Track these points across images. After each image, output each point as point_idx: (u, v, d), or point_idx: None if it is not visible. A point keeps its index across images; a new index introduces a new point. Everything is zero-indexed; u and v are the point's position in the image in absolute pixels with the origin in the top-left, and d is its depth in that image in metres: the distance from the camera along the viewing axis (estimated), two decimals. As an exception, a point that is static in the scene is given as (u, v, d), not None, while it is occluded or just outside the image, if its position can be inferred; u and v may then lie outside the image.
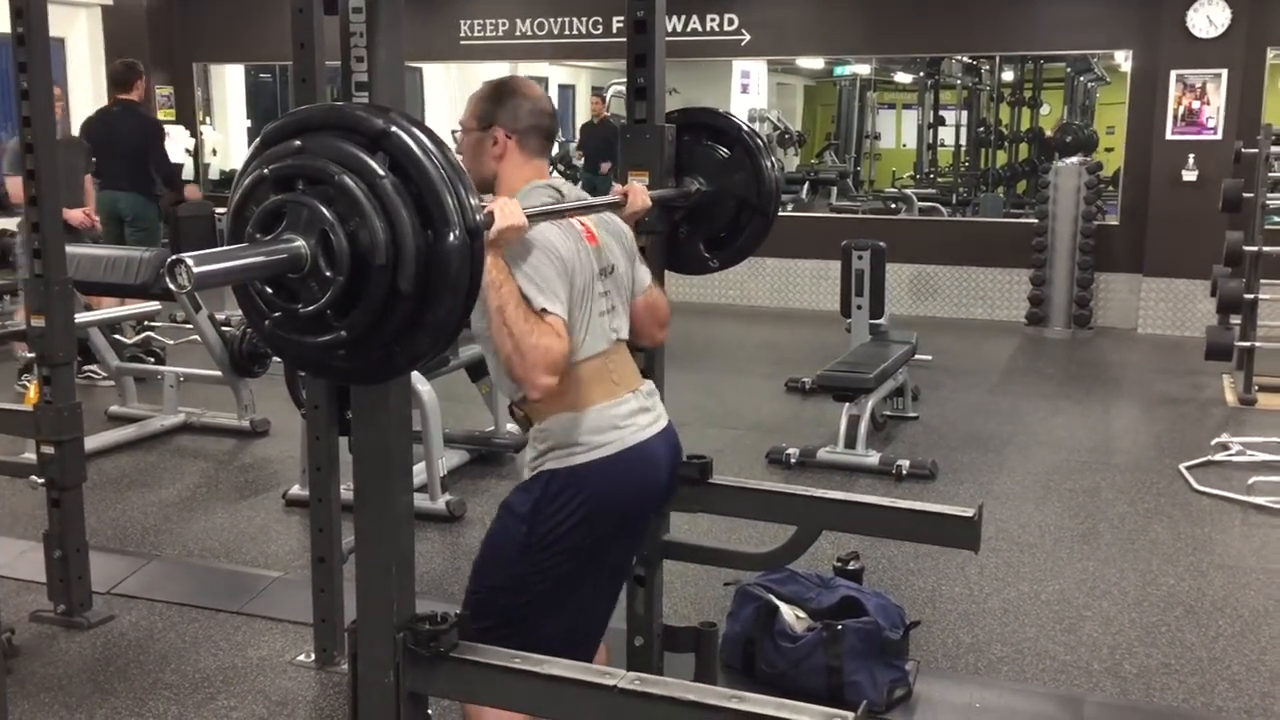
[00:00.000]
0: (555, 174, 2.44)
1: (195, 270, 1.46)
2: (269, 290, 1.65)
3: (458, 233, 1.60)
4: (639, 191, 2.57)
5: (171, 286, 1.47)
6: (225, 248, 1.60)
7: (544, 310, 2.12)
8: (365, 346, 1.65)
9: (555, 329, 2.12)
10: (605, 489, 2.26)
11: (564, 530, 2.24)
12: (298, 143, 1.64)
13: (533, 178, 2.34)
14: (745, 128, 2.91)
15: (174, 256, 1.45)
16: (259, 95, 12.98)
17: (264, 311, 1.68)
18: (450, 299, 1.62)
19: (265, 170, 1.65)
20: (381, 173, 1.59)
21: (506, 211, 2.04)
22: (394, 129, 1.61)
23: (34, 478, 3.63)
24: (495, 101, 2.33)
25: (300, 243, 1.59)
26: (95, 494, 4.80)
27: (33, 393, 3.77)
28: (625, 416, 2.31)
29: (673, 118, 2.88)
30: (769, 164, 2.86)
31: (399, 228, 1.58)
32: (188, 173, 11.70)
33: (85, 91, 11.61)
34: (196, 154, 11.82)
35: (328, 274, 1.59)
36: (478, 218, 1.65)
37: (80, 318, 4.95)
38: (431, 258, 1.60)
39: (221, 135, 12.27)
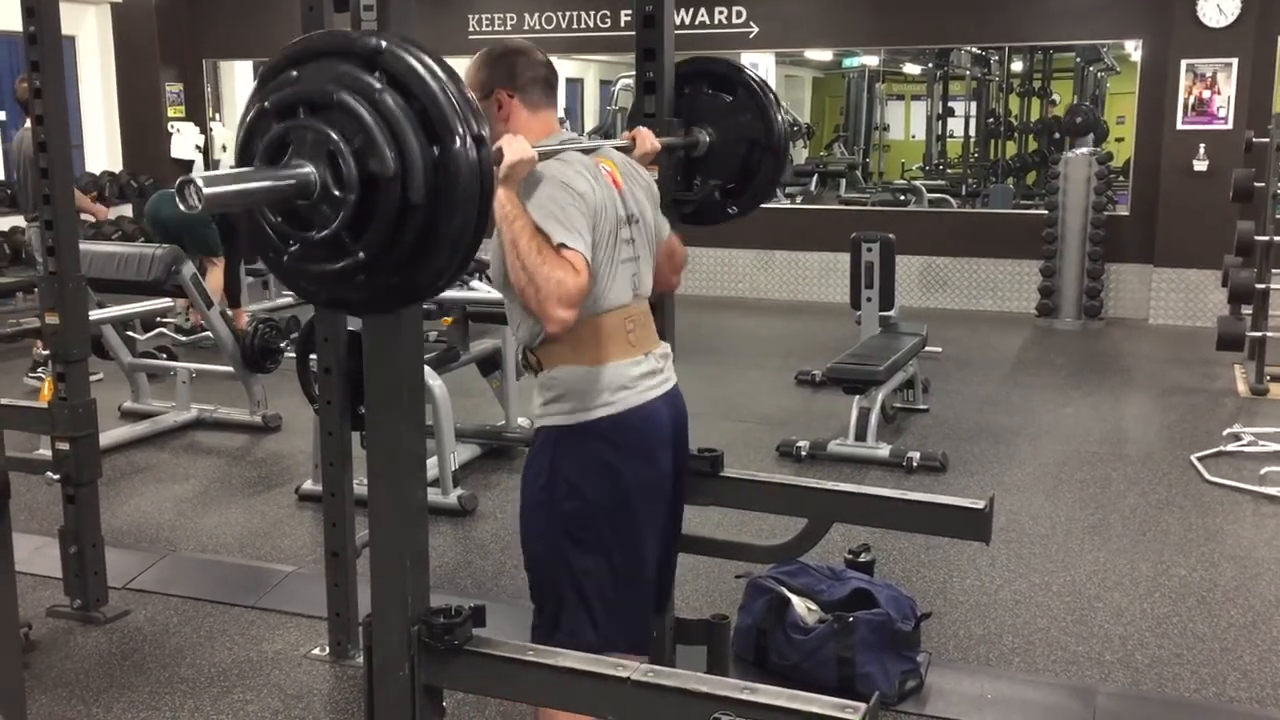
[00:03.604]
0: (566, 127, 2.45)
1: (205, 191, 1.45)
2: (282, 222, 1.65)
3: (463, 140, 1.60)
4: (646, 135, 2.58)
5: (181, 206, 1.46)
6: (233, 170, 1.61)
7: (562, 245, 2.11)
8: (384, 267, 1.64)
9: (573, 263, 2.11)
10: (607, 447, 2.28)
11: (580, 489, 2.27)
12: (294, 73, 1.64)
13: (544, 132, 2.33)
14: (746, 70, 2.92)
15: (183, 177, 1.45)
16: (268, 91, 13.00)
17: (280, 246, 1.68)
18: (464, 208, 1.62)
19: (265, 103, 1.65)
20: (379, 87, 1.58)
21: (514, 146, 2.07)
22: (387, 44, 1.61)
23: (49, 474, 3.65)
24: (490, 68, 2.34)
25: (309, 168, 1.59)
26: (110, 490, 4.83)
27: (47, 389, 3.78)
28: (635, 378, 2.31)
29: None
30: (774, 103, 2.87)
31: (404, 140, 1.58)
32: (198, 169, 11.76)
33: (95, 88, 11.66)
34: (206, 150, 11.85)
35: (338, 194, 1.59)
36: (481, 128, 1.64)
37: (95, 314, 4.97)
38: (439, 169, 1.59)
39: (231, 131, 12.27)
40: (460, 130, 1.60)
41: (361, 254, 1.61)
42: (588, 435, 2.27)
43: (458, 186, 1.60)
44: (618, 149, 2.49)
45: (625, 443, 2.30)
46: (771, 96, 2.87)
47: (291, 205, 1.62)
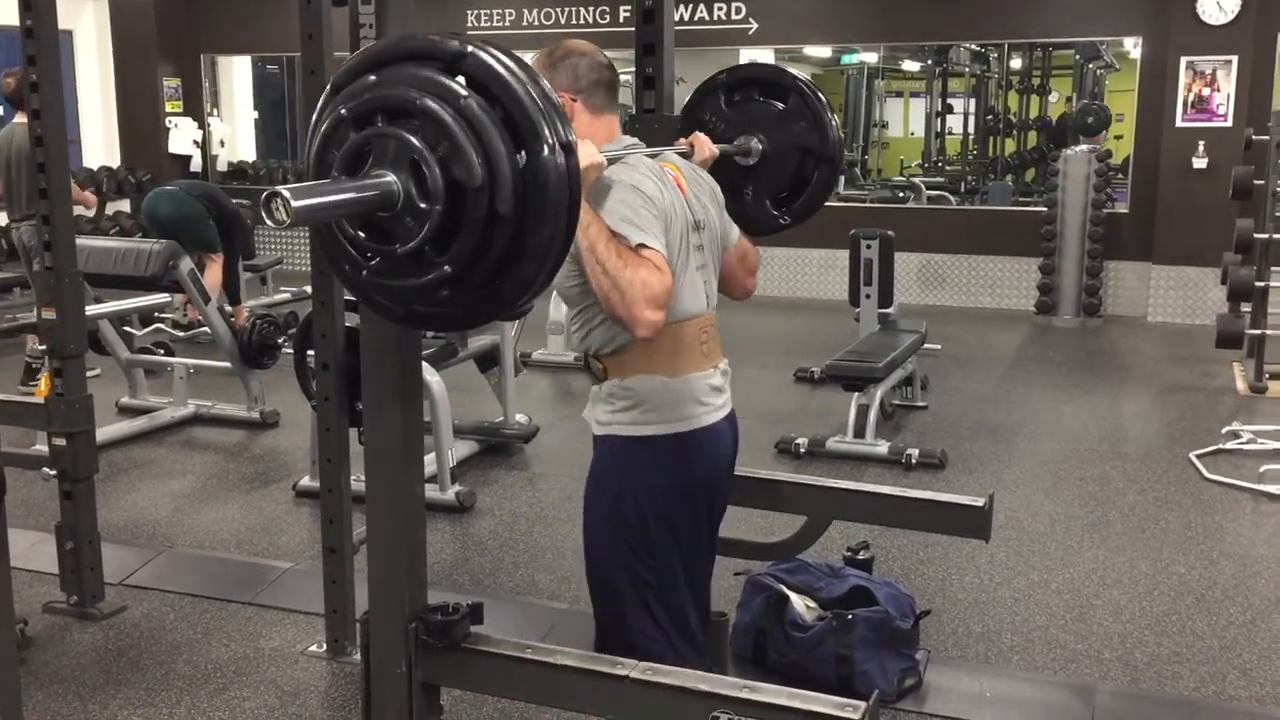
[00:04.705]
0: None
1: (294, 204, 1.39)
2: (362, 235, 1.58)
3: (551, 147, 1.53)
4: (704, 141, 2.53)
5: (269, 222, 1.40)
6: (318, 182, 1.54)
7: (641, 246, 2.05)
8: (469, 281, 1.57)
9: (655, 262, 2.04)
10: (678, 462, 2.24)
11: (648, 502, 2.23)
12: (372, 78, 1.57)
13: (607, 136, 2.27)
14: (799, 77, 2.83)
15: (271, 189, 1.40)
16: (266, 87, 12.99)
17: (359, 261, 1.61)
18: (552, 219, 1.55)
19: (343, 110, 1.57)
20: (465, 93, 1.51)
21: (583, 151, 1.99)
22: (471, 49, 1.55)
23: (46, 470, 3.64)
24: (551, 69, 2.25)
25: (390, 177, 1.52)
26: (106, 485, 4.82)
27: (44, 385, 3.77)
28: (707, 393, 2.28)
29: (719, 78, 2.83)
30: (828, 110, 2.78)
31: (490, 147, 1.51)
32: (196, 165, 11.74)
33: (93, 84, 11.64)
34: (204, 146, 11.83)
35: (422, 206, 1.52)
36: (569, 134, 1.57)
37: (91, 310, 4.96)
38: (527, 177, 1.53)
39: (229, 127, 12.27)
40: (549, 137, 1.53)
41: (447, 268, 1.54)
42: (660, 448, 2.23)
43: (546, 196, 1.53)
44: (679, 154, 2.44)
45: (696, 458, 2.27)
46: (825, 103, 2.78)
47: (373, 217, 1.55)
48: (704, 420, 2.27)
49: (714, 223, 2.36)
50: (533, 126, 1.52)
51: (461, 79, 1.53)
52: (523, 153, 1.52)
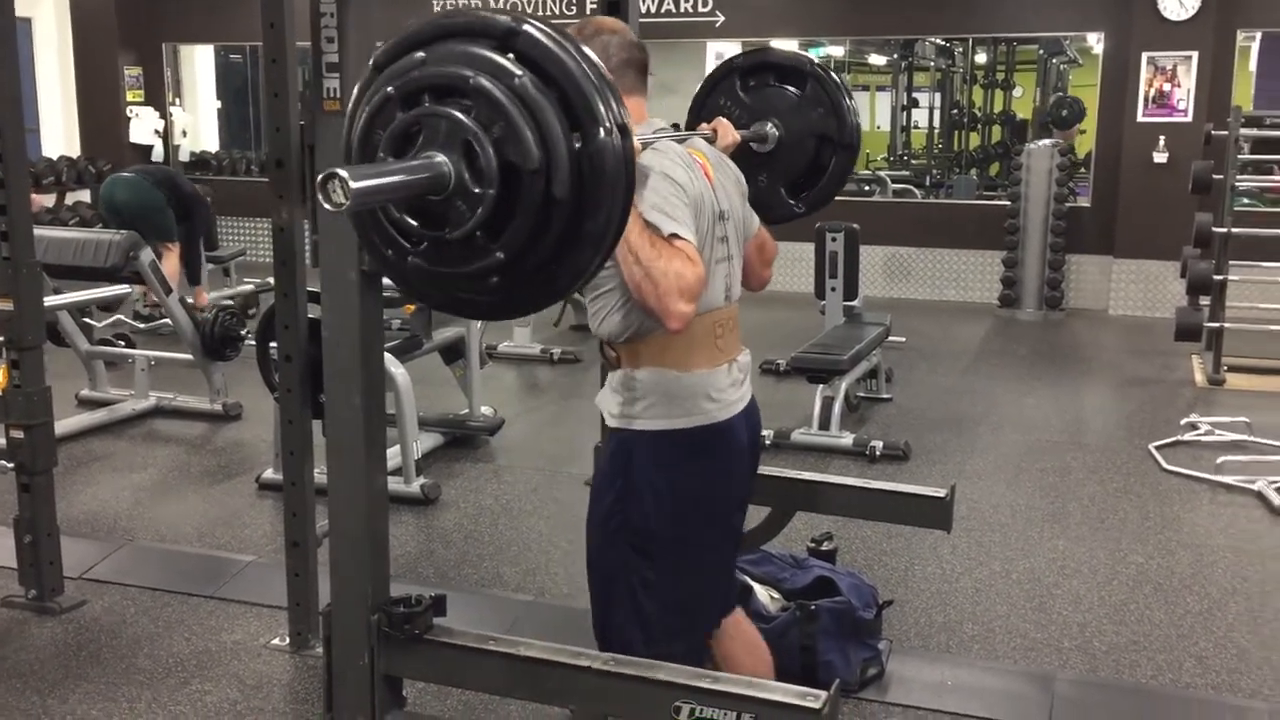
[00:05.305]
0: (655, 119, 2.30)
1: (353, 185, 1.32)
2: (410, 220, 1.52)
3: (609, 130, 1.49)
4: (728, 127, 2.49)
5: (326, 205, 1.33)
6: (374, 164, 1.48)
7: (673, 236, 2.00)
8: (522, 268, 1.52)
9: (687, 253, 2.00)
10: (686, 459, 2.20)
11: (654, 501, 2.19)
12: (420, 55, 1.52)
13: (636, 119, 2.18)
14: (815, 62, 2.78)
15: (327, 170, 1.33)
16: (229, 76, 12.86)
17: (405, 247, 1.55)
18: (609, 203, 1.51)
19: (389, 89, 1.51)
20: (519, 72, 1.46)
21: None
22: (525, 26, 1.50)
23: (3, 462, 3.60)
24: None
25: (441, 158, 1.46)
26: (66, 478, 4.77)
27: (1, 377, 3.73)
28: (720, 389, 2.22)
29: (735, 62, 2.79)
30: (847, 96, 2.73)
31: (547, 128, 1.45)
32: (157, 154, 11.61)
33: (52, 72, 11.49)
34: (166, 135, 11.70)
35: (475, 190, 1.46)
36: (625, 116, 1.53)
37: (49, 300, 4.90)
38: (583, 160, 1.48)
39: (191, 116, 12.15)
40: (605, 118, 1.49)
41: (500, 254, 1.49)
42: (668, 444, 2.19)
43: (603, 179, 1.49)
44: (704, 140, 2.40)
45: (705, 455, 2.22)
46: (842, 87, 2.74)
47: (420, 201, 1.49)
48: (716, 416, 2.22)
49: (738, 213, 2.32)
50: (589, 106, 1.48)
51: (512, 56, 1.48)
52: (578, 134, 1.48)
